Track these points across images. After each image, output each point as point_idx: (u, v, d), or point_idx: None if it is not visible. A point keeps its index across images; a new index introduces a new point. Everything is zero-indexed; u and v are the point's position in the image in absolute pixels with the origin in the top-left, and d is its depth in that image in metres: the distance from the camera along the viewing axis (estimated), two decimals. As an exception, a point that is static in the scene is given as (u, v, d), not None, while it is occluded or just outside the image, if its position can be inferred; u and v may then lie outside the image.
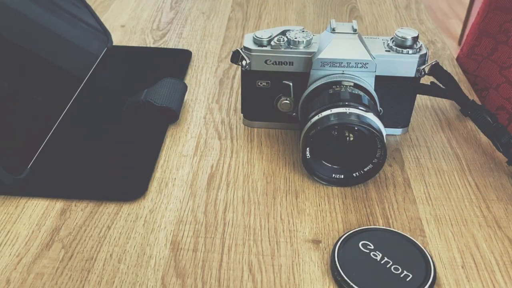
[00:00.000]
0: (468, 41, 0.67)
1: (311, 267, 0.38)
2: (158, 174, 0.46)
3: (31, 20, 0.52)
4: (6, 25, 0.48)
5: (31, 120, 0.47)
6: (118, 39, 0.67)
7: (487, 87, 0.62)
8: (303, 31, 0.47)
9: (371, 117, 0.41)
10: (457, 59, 0.67)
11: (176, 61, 0.62)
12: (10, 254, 0.38)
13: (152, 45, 0.66)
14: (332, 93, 0.44)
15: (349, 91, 0.43)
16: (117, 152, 0.48)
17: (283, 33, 0.47)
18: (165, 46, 0.66)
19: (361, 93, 0.44)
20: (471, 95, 0.57)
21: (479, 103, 0.56)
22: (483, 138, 0.51)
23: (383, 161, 0.42)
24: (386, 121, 0.47)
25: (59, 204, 0.42)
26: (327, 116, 0.41)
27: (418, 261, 0.37)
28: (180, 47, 0.66)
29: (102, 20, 0.64)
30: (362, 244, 0.38)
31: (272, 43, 0.46)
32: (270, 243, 0.39)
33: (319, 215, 0.42)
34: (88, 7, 0.62)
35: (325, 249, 0.39)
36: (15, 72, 0.47)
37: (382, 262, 0.37)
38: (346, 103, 0.42)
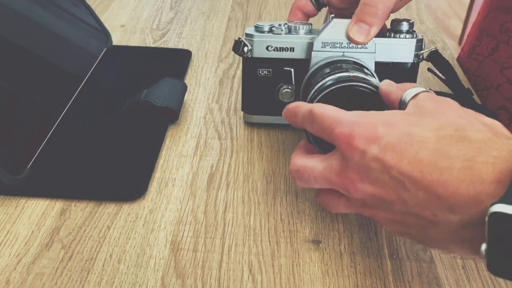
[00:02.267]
0: (469, 41, 0.67)
1: (311, 267, 0.38)
2: (158, 174, 0.46)
3: (31, 20, 0.52)
4: (6, 25, 0.48)
5: (31, 120, 0.47)
6: (118, 39, 0.67)
7: (487, 87, 0.62)
8: (303, 22, 0.48)
9: (375, 80, 0.41)
10: (458, 59, 0.67)
11: (176, 61, 0.62)
12: (10, 254, 0.38)
13: (152, 45, 0.66)
14: (334, 67, 0.43)
15: (351, 63, 0.44)
16: (117, 152, 0.48)
17: (284, 23, 0.48)
18: (165, 46, 0.66)
19: (364, 69, 0.44)
20: (472, 95, 0.57)
21: (480, 103, 0.56)
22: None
23: None
24: None
25: (58, 204, 0.42)
26: (329, 81, 0.40)
27: (376, 104, 0.39)
28: (180, 47, 0.66)
29: (102, 20, 0.64)
30: None
31: (273, 29, 0.47)
32: (270, 243, 0.39)
33: (319, 215, 0.42)
34: (88, 7, 0.62)
35: (325, 249, 0.39)
36: (15, 72, 0.47)
37: None
38: (349, 69, 0.42)
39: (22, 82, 0.47)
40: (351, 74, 0.40)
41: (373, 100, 0.39)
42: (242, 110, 0.52)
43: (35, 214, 0.41)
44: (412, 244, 0.40)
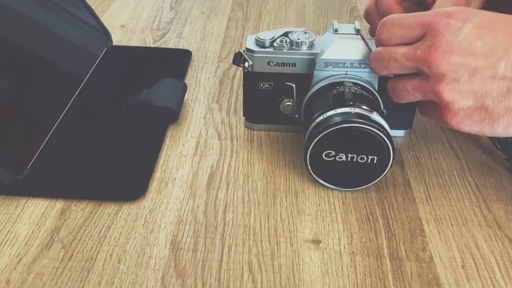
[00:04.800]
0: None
1: (311, 267, 0.38)
2: (158, 174, 0.46)
3: (31, 20, 0.52)
4: (6, 25, 0.48)
5: (31, 120, 0.47)
6: (118, 39, 0.67)
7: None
8: (305, 33, 0.47)
9: (376, 117, 0.41)
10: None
11: (176, 61, 0.62)
12: (10, 254, 0.38)
13: (152, 45, 0.66)
14: (336, 93, 0.44)
15: (353, 91, 0.43)
16: (117, 152, 0.48)
17: (285, 34, 0.47)
18: (165, 46, 0.66)
19: (365, 93, 0.44)
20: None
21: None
22: (483, 137, 0.51)
23: (390, 160, 0.42)
24: (389, 123, 0.46)
25: (59, 204, 0.42)
26: (331, 116, 0.41)
27: (375, 142, 0.41)
28: (180, 47, 0.66)
29: (102, 20, 0.64)
30: (325, 154, 0.42)
31: (275, 44, 0.46)
32: (270, 243, 0.39)
33: (319, 215, 0.42)
34: (88, 7, 0.62)
35: (325, 249, 0.39)
36: (15, 72, 0.47)
37: (348, 160, 0.42)
38: (351, 103, 0.42)
39: (22, 82, 0.47)
40: (353, 111, 0.41)
41: (373, 138, 0.41)
42: (243, 116, 0.52)
43: (35, 214, 0.42)
44: (411, 243, 0.40)
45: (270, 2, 0.78)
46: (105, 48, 0.61)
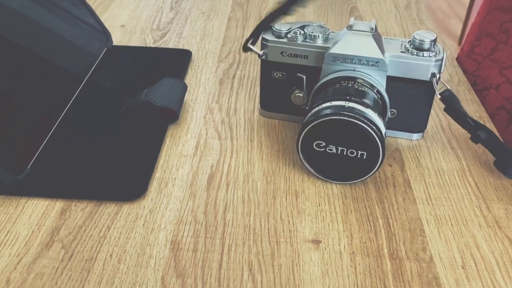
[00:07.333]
0: (468, 41, 0.67)
1: (311, 267, 0.38)
2: (158, 174, 0.46)
3: (31, 20, 0.52)
4: (6, 25, 0.48)
5: (31, 120, 0.47)
6: (118, 39, 0.67)
7: (487, 87, 0.62)
8: (321, 27, 0.48)
9: (370, 113, 0.41)
10: (457, 59, 0.67)
11: (176, 61, 0.62)
12: (10, 254, 0.38)
13: (152, 45, 0.66)
14: (338, 87, 0.44)
15: (355, 87, 0.44)
16: (117, 152, 0.48)
17: (302, 27, 0.48)
18: (165, 46, 0.66)
19: (368, 90, 0.44)
20: (471, 95, 0.57)
21: (479, 103, 0.56)
22: (483, 138, 0.51)
23: (379, 158, 0.42)
24: (400, 125, 0.46)
25: (59, 204, 0.42)
26: (325, 108, 0.42)
27: (365, 138, 0.41)
28: (180, 47, 0.66)
29: (102, 20, 0.64)
30: (316, 144, 0.43)
31: (289, 35, 0.48)
32: (270, 243, 0.39)
33: (319, 215, 0.42)
34: (88, 7, 0.62)
35: (325, 249, 0.39)
36: (15, 72, 0.47)
37: (338, 152, 0.42)
38: (347, 97, 0.42)
39: (23, 82, 0.47)
40: (346, 105, 0.42)
41: (362, 133, 0.41)
42: (259, 103, 0.53)
43: (35, 214, 0.42)
44: (411, 243, 0.40)
45: (270, 2, 0.78)
46: (105, 48, 0.61)
